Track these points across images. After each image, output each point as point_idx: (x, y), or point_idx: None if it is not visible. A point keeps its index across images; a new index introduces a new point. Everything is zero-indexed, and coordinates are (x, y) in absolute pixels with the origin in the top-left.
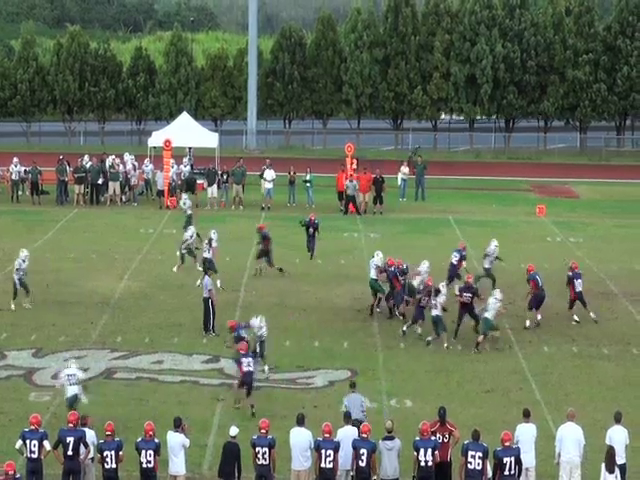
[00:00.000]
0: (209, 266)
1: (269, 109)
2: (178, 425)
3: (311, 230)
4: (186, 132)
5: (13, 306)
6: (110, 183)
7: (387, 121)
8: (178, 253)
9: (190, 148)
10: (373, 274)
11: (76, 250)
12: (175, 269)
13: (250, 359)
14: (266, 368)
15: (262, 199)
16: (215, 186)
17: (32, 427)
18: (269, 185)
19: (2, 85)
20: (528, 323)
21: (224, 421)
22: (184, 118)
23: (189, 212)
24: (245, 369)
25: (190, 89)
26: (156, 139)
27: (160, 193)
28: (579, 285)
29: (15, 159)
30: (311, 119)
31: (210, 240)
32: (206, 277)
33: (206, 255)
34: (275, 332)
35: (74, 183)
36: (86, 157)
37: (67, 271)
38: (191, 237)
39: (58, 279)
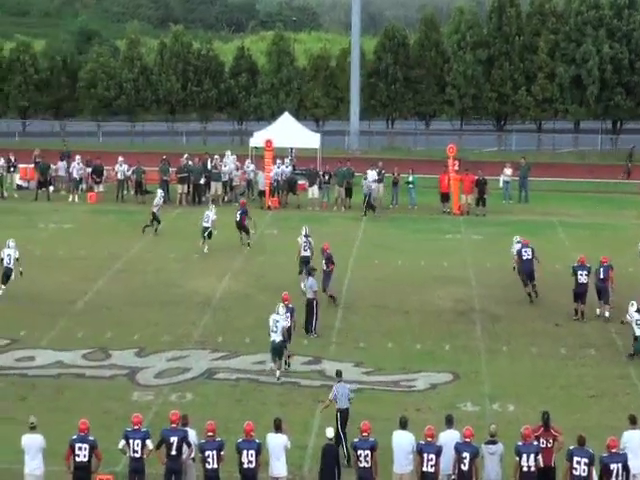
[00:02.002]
0: (307, 267)
1: (372, 109)
2: (278, 427)
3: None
4: (288, 132)
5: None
6: (212, 183)
7: (489, 122)
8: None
9: (292, 148)
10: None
11: (178, 250)
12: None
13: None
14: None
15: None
16: (316, 187)
17: (135, 427)
18: (373, 185)
19: (108, 85)
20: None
21: (324, 423)
22: (286, 118)
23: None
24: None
25: (292, 89)
26: (258, 139)
27: (261, 194)
28: None
29: (120, 158)
30: (414, 120)
31: (307, 236)
32: (310, 278)
33: (305, 253)
34: (377, 334)
35: (177, 183)
36: (185, 156)
37: (169, 271)
38: None
39: (160, 279)
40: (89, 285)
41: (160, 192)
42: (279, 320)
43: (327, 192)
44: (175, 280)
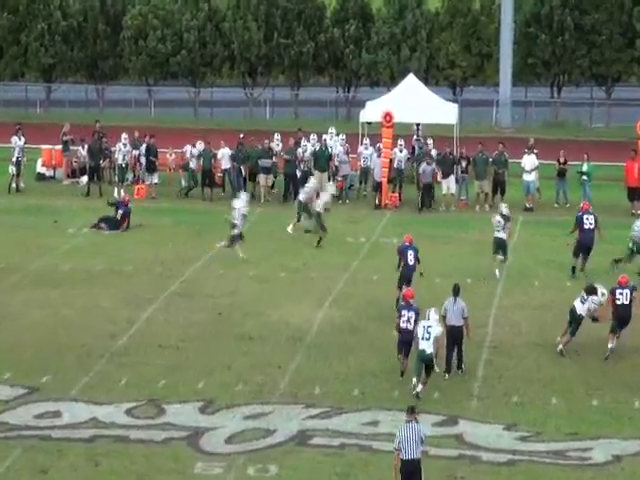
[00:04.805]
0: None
1: (530, 71)
2: None
3: (410, 257)
4: (413, 102)
5: None
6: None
7: None
8: None
9: (418, 125)
10: None
11: (259, 265)
12: None
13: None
14: None
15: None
16: (452, 178)
17: None
18: (530, 177)
19: (163, 35)
20: None
21: None
22: (410, 83)
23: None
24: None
25: (419, 42)
26: (371, 112)
27: (377, 187)
28: None
29: (124, 135)
30: (590, 85)
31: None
32: (457, 300)
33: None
34: (538, 384)
35: (259, 172)
36: (276, 136)
37: (247, 294)
38: None
39: (235, 305)
40: (136, 313)
41: (244, 196)
42: (432, 326)
43: (466, 185)
44: (255, 307)
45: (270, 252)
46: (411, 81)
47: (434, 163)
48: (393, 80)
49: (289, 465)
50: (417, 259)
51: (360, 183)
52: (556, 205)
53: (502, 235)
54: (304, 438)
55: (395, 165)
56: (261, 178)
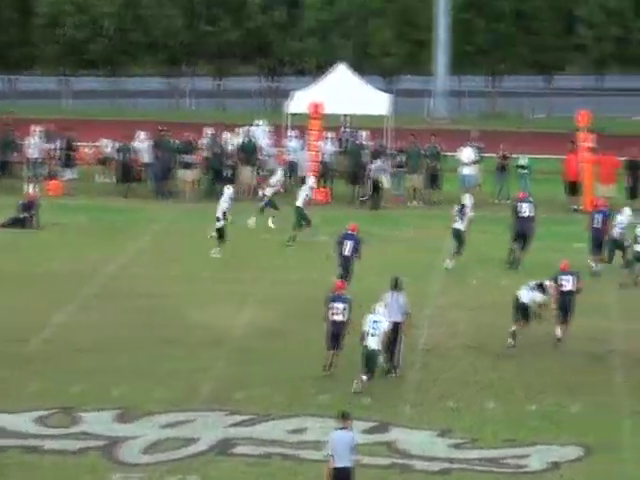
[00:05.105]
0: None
1: (466, 59)
2: None
3: (346, 247)
4: (343, 93)
5: None
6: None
7: None
8: None
9: (346, 116)
10: None
11: (181, 265)
12: None
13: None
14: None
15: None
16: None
17: None
18: (467, 171)
19: (80, 22)
20: None
21: None
22: (341, 72)
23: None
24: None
25: (350, 29)
26: (299, 102)
27: (304, 181)
28: None
29: (38, 128)
30: (529, 74)
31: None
32: (395, 295)
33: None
34: (474, 388)
35: (181, 167)
36: (208, 131)
37: (168, 295)
38: None
39: (156, 306)
40: (49, 316)
41: (227, 191)
42: (380, 321)
43: (401, 180)
44: (177, 309)
45: (193, 251)
46: (341, 70)
47: (388, 160)
48: (322, 69)
49: (211, 475)
50: (355, 249)
51: (289, 178)
52: (496, 201)
53: (458, 226)
54: (227, 447)
55: (322, 159)
56: (183, 174)
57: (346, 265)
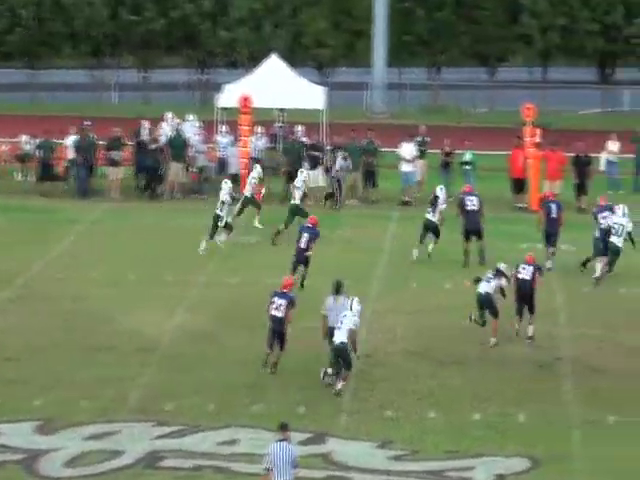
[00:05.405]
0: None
1: (406, 51)
2: None
3: (303, 239)
4: (276, 85)
5: None
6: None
7: (589, 70)
8: None
9: (282, 110)
10: None
11: (106, 268)
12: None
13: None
14: None
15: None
16: (320, 170)
17: None
18: (408, 168)
19: None
20: None
21: None
22: (273, 64)
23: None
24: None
25: (283, 18)
26: (230, 96)
27: (235, 179)
28: None
29: None
30: (472, 66)
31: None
32: (333, 298)
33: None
34: (415, 397)
35: (107, 165)
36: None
37: (92, 300)
38: None
39: (79, 311)
40: None
41: (226, 184)
42: (346, 315)
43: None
44: (102, 314)
45: (119, 253)
46: (274, 62)
47: (349, 158)
48: (254, 61)
49: None
50: (311, 241)
51: (220, 174)
52: None
53: (430, 217)
54: (154, 460)
55: (253, 155)
56: (110, 171)
57: (299, 258)
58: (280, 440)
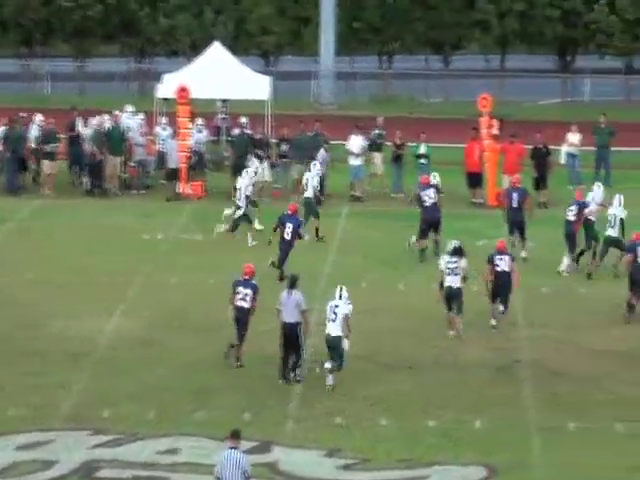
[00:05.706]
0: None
1: (355, 38)
2: None
3: (288, 230)
4: (218, 75)
5: None
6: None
7: (548, 57)
8: None
9: (224, 101)
10: None
11: (38, 267)
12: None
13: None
14: None
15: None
16: (266, 164)
17: None
18: (357, 161)
19: None
20: None
21: None
22: (215, 52)
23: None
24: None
25: (225, 4)
26: (169, 86)
27: (173, 175)
28: None
29: None
30: (425, 54)
31: None
32: (291, 293)
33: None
34: (365, 403)
35: (42, 158)
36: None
37: (22, 302)
38: None
39: (8, 315)
40: None
41: (247, 174)
42: (339, 305)
43: (284, 172)
44: (33, 317)
45: (53, 253)
46: (216, 50)
47: (329, 150)
48: (195, 49)
49: None
50: (297, 233)
51: (157, 169)
52: (393, 195)
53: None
54: (90, 470)
55: (194, 148)
56: (45, 165)
57: (287, 249)
58: (231, 448)
